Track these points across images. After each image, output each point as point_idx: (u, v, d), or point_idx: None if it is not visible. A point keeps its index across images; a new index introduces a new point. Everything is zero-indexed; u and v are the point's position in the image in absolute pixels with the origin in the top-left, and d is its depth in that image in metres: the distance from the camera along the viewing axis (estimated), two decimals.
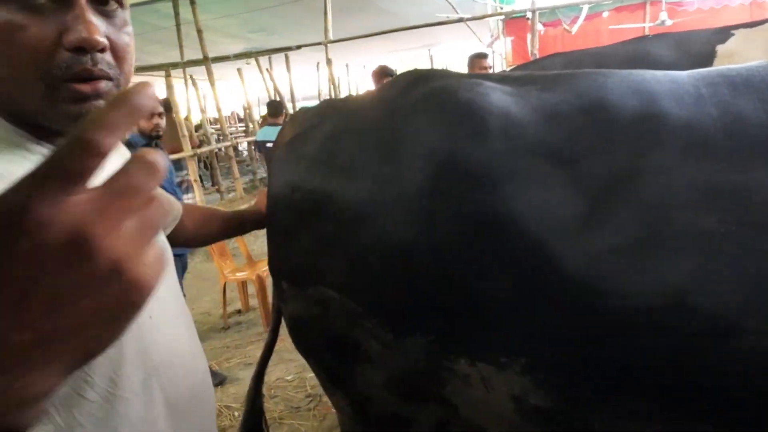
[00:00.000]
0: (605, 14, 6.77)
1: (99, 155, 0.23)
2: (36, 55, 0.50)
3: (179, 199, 2.85)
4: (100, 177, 0.24)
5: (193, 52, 6.18)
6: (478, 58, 3.27)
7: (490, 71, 3.34)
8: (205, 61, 5.50)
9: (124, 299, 0.24)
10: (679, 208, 0.66)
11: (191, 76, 6.95)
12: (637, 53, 2.17)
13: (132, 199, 0.24)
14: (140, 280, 0.24)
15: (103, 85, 0.54)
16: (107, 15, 0.54)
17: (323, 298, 0.86)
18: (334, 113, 0.96)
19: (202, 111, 7.80)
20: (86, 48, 0.51)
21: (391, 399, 0.89)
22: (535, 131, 0.74)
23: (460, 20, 6.02)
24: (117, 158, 0.80)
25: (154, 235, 0.25)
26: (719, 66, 1.06)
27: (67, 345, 0.24)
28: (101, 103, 0.54)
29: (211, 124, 9.19)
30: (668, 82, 0.76)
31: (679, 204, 0.66)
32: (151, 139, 2.74)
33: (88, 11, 0.51)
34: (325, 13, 6.16)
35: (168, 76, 5.49)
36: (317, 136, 0.92)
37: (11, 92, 0.52)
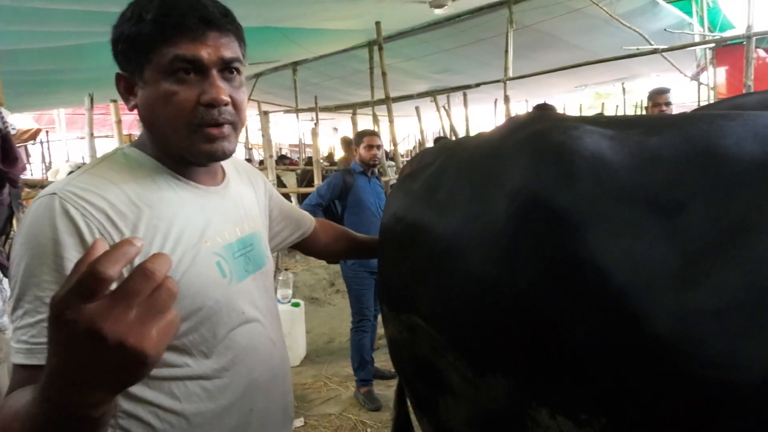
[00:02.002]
0: None
1: (105, 280, 0.36)
2: (183, 111, 0.71)
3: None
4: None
5: (381, 92, 6.81)
6: (657, 94, 2.99)
7: (672, 108, 3.00)
8: (387, 100, 6.00)
9: (132, 361, 0.37)
10: None
11: (375, 114, 7.64)
12: None
13: (133, 299, 0.37)
14: (142, 351, 0.37)
15: (226, 129, 0.74)
16: (229, 80, 0.75)
17: (413, 325, 0.91)
18: (445, 152, 1.02)
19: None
20: (215, 104, 0.71)
21: None
22: (629, 176, 0.70)
23: (654, 52, 5.49)
24: (237, 173, 1.04)
25: (159, 315, 0.38)
26: None
27: (104, 382, 0.38)
28: (226, 143, 0.74)
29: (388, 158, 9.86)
30: None
31: None
32: (368, 167, 3.07)
33: (217, 79, 0.72)
34: (506, 51, 6.22)
35: (354, 114, 6.13)
36: (425, 173, 0.99)
37: (168, 135, 0.74)
